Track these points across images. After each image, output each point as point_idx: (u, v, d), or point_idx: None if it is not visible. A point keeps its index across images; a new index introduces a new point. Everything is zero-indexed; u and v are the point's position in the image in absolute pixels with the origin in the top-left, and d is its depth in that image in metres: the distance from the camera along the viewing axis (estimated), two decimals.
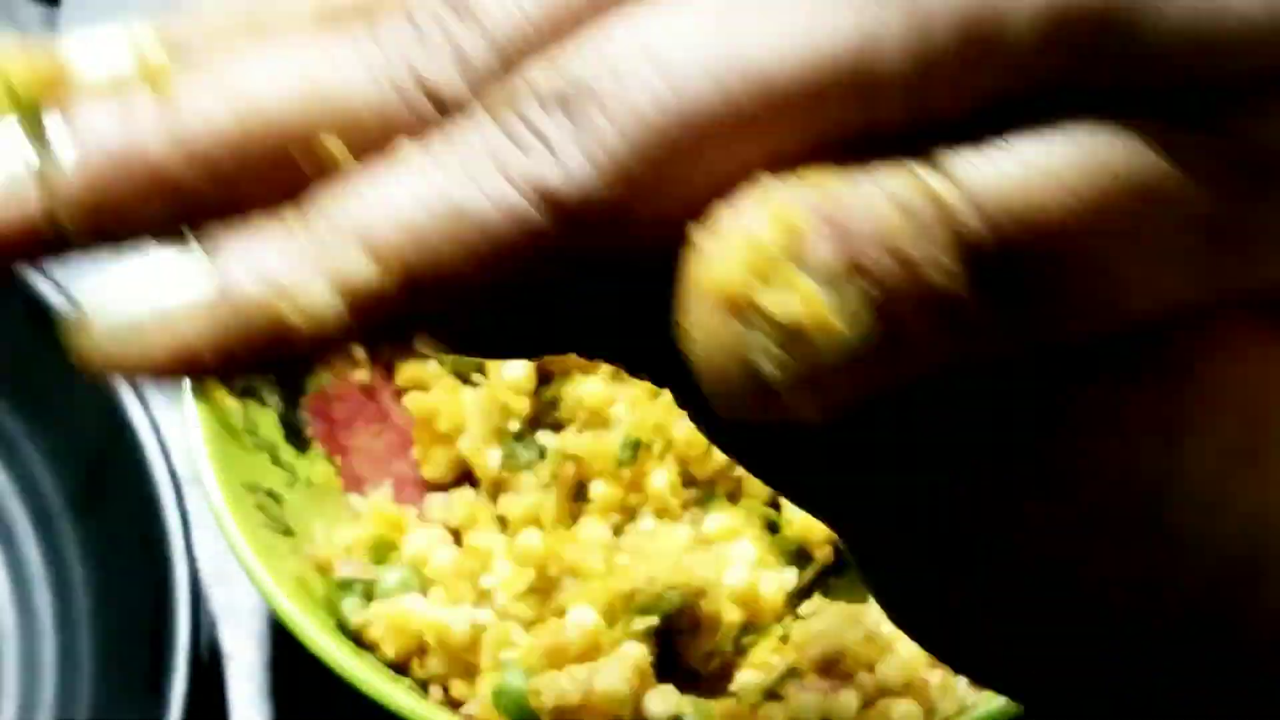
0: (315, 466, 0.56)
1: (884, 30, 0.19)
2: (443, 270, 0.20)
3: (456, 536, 0.56)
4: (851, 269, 0.19)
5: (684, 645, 0.52)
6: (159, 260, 0.21)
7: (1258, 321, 0.22)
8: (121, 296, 0.21)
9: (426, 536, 0.55)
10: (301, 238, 0.20)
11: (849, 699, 0.50)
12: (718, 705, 0.50)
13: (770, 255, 0.19)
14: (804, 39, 0.19)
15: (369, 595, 0.53)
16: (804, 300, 0.19)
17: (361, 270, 0.20)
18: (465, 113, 0.21)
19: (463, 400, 0.57)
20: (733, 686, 0.52)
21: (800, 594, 0.54)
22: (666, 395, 0.55)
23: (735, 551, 0.53)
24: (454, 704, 0.52)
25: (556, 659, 0.50)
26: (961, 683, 0.50)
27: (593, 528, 0.54)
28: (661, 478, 0.54)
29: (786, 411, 0.19)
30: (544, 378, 0.56)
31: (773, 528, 0.54)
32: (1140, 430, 0.21)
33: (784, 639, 0.52)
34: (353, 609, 0.53)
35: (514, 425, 0.55)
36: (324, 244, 0.20)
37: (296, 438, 0.56)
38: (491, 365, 0.56)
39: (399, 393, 0.58)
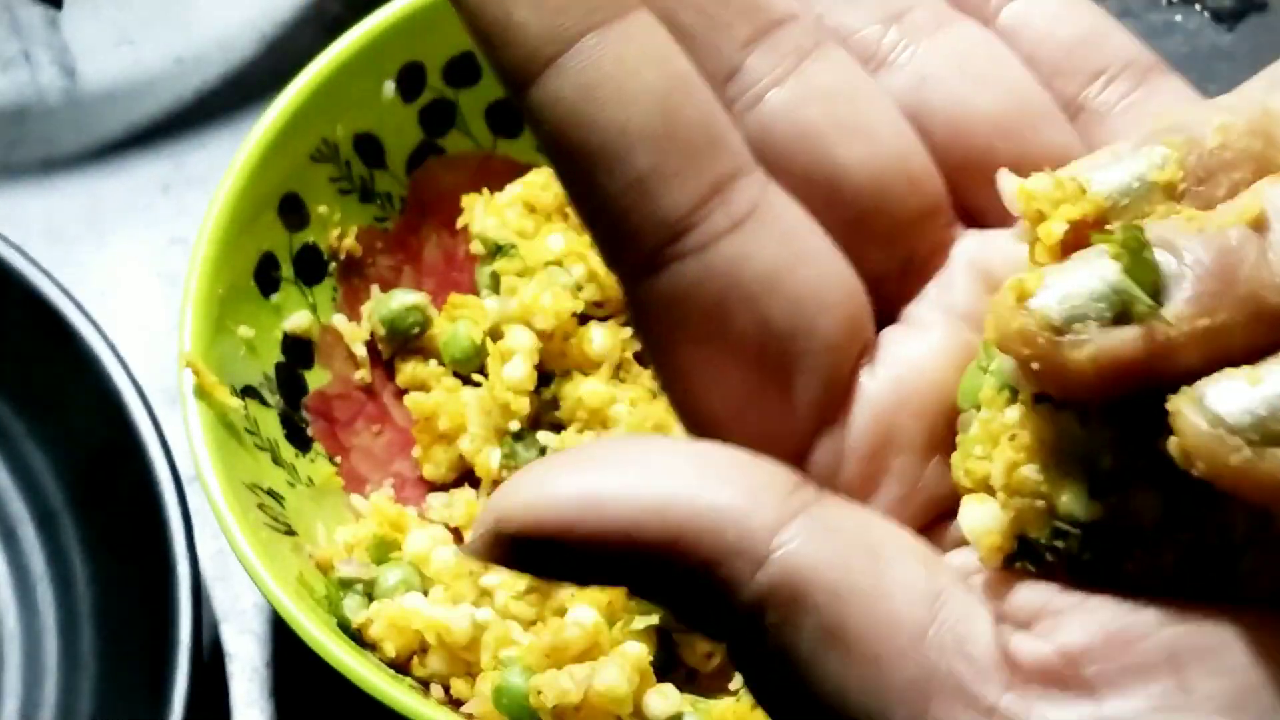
0: (316, 466, 0.56)
1: None
2: None
3: (457, 536, 0.56)
4: None
5: (684, 644, 0.52)
6: None
7: None
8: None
9: (427, 536, 0.55)
10: None
11: None
12: (717, 704, 0.51)
13: None
14: None
15: (370, 594, 0.53)
16: None
17: None
18: None
19: (463, 400, 0.57)
20: (733, 685, 0.52)
21: None
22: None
23: None
24: (455, 703, 0.52)
25: (557, 658, 0.50)
26: None
27: None
28: None
29: None
30: (544, 378, 0.56)
31: None
32: None
33: None
34: (354, 608, 0.53)
35: (514, 425, 0.55)
36: None
37: (298, 437, 0.56)
38: (492, 365, 0.56)
39: (400, 393, 0.58)
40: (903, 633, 0.22)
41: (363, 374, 0.58)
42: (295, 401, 0.56)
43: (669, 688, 0.51)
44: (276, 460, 0.54)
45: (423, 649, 0.52)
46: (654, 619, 0.51)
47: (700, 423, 0.25)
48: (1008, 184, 0.24)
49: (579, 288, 0.57)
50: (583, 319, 0.57)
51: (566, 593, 0.52)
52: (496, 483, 0.56)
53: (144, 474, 0.53)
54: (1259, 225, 0.22)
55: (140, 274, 0.64)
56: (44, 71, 0.69)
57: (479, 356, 0.57)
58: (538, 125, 0.24)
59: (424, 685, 0.52)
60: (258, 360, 0.56)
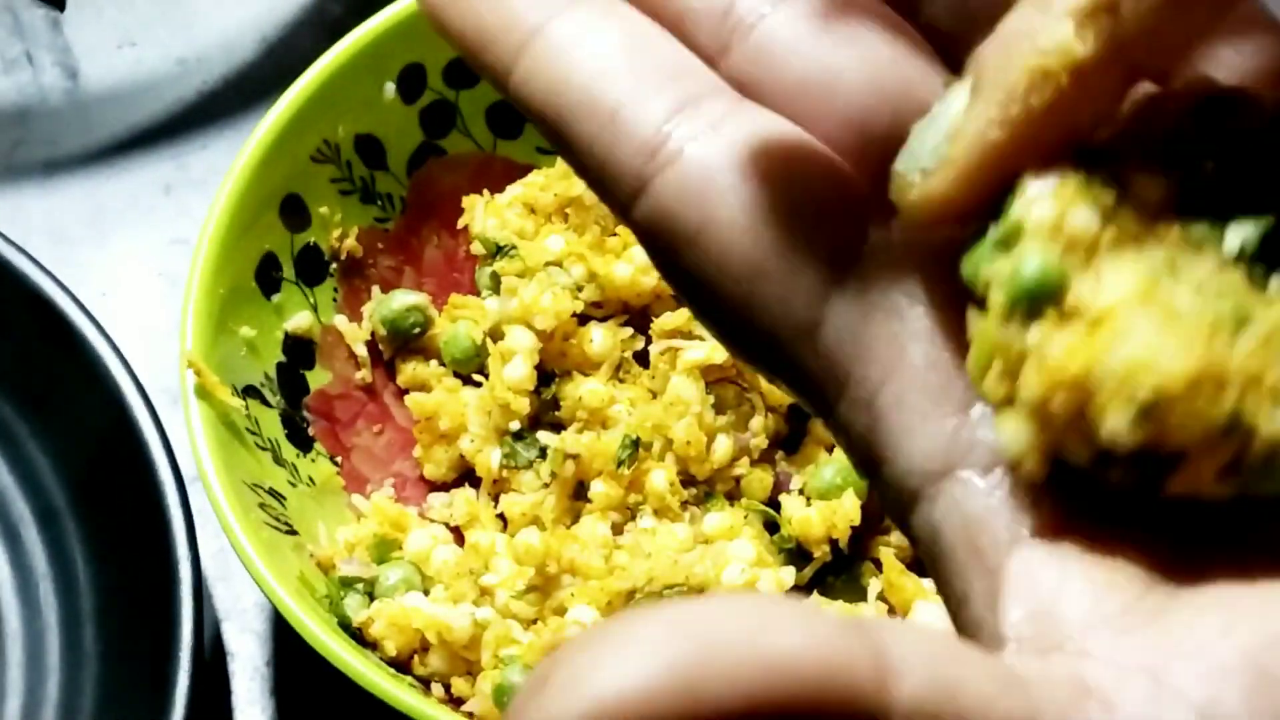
0: (317, 466, 0.56)
1: None
2: None
3: (458, 535, 0.56)
4: None
5: None
6: None
7: None
8: None
9: (428, 535, 0.55)
10: None
11: None
12: None
13: None
14: None
15: (371, 594, 0.53)
16: None
17: None
18: None
19: (464, 400, 0.57)
20: None
21: (799, 592, 0.54)
22: (666, 395, 0.55)
23: (734, 550, 0.53)
24: (455, 702, 0.52)
25: None
26: None
27: (593, 526, 0.54)
28: (661, 477, 0.54)
29: None
30: (544, 378, 0.56)
31: (771, 527, 0.54)
32: None
33: None
34: (354, 607, 0.53)
35: (515, 425, 0.56)
36: None
37: (299, 437, 0.56)
38: (492, 365, 0.56)
39: (401, 393, 0.59)
40: None
41: (364, 374, 0.58)
42: (296, 401, 0.57)
43: None
44: (278, 460, 0.55)
45: (423, 648, 0.52)
46: None
47: (716, 320, 0.26)
48: None
49: (579, 288, 0.57)
50: (583, 319, 0.57)
51: (566, 592, 0.52)
52: (497, 482, 0.56)
53: (145, 474, 0.53)
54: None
55: (142, 274, 0.65)
56: (46, 73, 0.69)
57: (479, 357, 0.57)
58: (525, 109, 0.26)
59: (425, 684, 0.52)
60: (259, 360, 0.56)
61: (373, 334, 0.59)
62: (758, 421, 0.55)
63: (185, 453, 0.52)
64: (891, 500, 0.25)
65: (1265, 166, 0.23)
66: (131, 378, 0.54)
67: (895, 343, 0.24)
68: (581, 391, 0.56)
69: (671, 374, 0.55)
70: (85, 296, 0.56)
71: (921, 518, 0.24)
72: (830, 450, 0.55)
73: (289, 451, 0.55)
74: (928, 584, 0.54)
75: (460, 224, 0.60)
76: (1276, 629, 0.21)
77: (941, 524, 0.24)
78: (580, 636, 0.20)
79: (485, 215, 0.59)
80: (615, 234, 0.58)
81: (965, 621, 0.23)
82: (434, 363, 0.58)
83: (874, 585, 0.54)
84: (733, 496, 0.55)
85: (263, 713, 0.57)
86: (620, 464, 0.54)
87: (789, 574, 0.53)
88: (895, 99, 0.25)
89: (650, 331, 0.56)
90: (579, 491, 0.55)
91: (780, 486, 0.55)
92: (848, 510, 0.53)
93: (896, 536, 0.55)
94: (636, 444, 0.54)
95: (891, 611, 0.53)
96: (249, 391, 0.55)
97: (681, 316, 0.55)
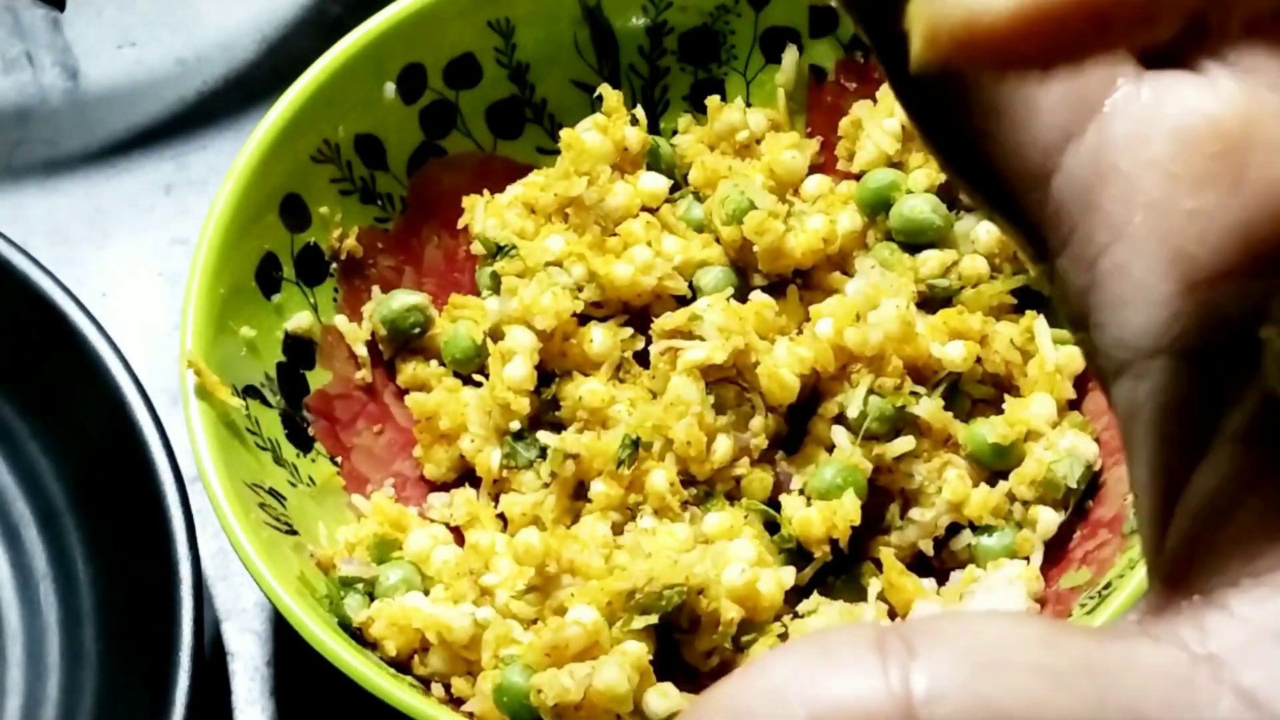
0: (318, 465, 0.56)
1: None
2: None
3: (458, 535, 0.56)
4: None
5: (683, 643, 0.52)
6: None
7: None
8: None
9: (428, 535, 0.55)
10: None
11: None
12: None
13: None
14: None
15: (371, 593, 0.53)
16: None
17: None
18: None
19: (464, 400, 0.57)
20: None
21: (799, 592, 0.54)
22: (666, 395, 0.55)
23: (734, 550, 0.53)
24: (455, 701, 0.52)
25: (557, 657, 0.50)
26: None
27: (593, 526, 0.54)
28: (661, 477, 0.54)
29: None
30: (544, 378, 0.56)
31: (771, 527, 0.54)
32: None
33: (783, 637, 0.53)
34: (354, 607, 0.53)
35: (515, 425, 0.56)
36: None
37: (299, 437, 0.56)
38: (492, 365, 0.56)
39: (401, 393, 0.59)
40: None
41: (364, 374, 0.58)
42: (297, 401, 0.57)
43: (669, 686, 0.51)
44: (278, 460, 0.55)
45: (423, 648, 0.53)
46: (654, 619, 0.51)
47: (949, 155, 0.24)
48: None
49: (579, 288, 0.57)
50: (583, 319, 0.57)
51: (566, 592, 0.52)
52: (496, 482, 0.56)
53: (146, 473, 0.53)
54: None
55: (142, 274, 0.65)
56: (47, 73, 0.69)
57: (479, 356, 0.57)
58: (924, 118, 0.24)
59: (425, 684, 0.52)
60: (259, 360, 0.56)
61: (373, 334, 0.59)
62: (758, 421, 0.55)
63: (185, 453, 0.52)
64: (1096, 364, 0.24)
65: None
66: (131, 378, 0.54)
67: (1127, 207, 0.23)
68: (581, 391, 0.56)
69: (671, 374, 0.55)
70: (85, 296, 0.56)
71: (1123, 391, 0.23)
72: (830, 450, 0.55)
73: (289, 451, 0.55)
74: (928, 584, 0.54)
75: (460, 224, 0.60)
76: None
77: (1142, 406, 0.23)
78: None
79: (485, 215, 0.59)
80: (615, 234, 0.58)
81: (1142, 518, 0.23)
82: (434, 363, 0.58)
83: (874, 585, 0.54)
84: (733, 496, 0.55)
85: (263, 713, 0.57)
86: (620, 464, 0.54)
87: (789, 574, 0.53)
88: None
89: (650, 331, 0.56)
90: (579, 491, 0.55)
91: (780, 486, 0.55)
92: (848, 510, 0.53)
93: (896, 536, 0.55)
94: (636, 444, 0.54)
95: (891, 612, 0.53)
96: (249, 391, 0.55)
97: (682, 316, 0.55)
